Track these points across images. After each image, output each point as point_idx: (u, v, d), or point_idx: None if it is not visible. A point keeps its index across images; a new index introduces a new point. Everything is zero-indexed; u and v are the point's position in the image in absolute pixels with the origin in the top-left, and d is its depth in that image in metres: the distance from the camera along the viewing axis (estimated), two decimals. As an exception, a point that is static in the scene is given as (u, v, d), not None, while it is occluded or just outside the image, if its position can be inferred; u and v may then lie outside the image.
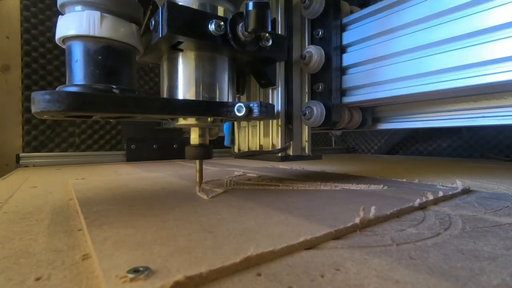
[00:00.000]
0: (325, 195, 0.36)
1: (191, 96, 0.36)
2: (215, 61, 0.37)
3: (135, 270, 0.15)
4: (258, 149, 0.48)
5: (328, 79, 0.44)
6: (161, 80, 0.39)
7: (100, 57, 0.31)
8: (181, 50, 0.36)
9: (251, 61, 0.41)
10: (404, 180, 0.49)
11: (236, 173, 0.61)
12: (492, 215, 0.28)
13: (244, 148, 0.50)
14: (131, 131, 1.11)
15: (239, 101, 0.36)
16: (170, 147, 1.14)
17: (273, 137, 0.45)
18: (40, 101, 0.26)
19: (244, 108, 0.35)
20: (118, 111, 0.29)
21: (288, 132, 0.45)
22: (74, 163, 1.00)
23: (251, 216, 0.26)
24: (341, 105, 0.46)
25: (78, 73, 0.31)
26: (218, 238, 0.21)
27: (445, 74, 0.36)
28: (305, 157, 0.46)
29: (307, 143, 0.46)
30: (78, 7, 0.30)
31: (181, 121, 0.38)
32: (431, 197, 0.32)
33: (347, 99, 0.46)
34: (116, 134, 1.13)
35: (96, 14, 0.30)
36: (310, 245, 0.20)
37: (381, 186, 0.41)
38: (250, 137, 0.49)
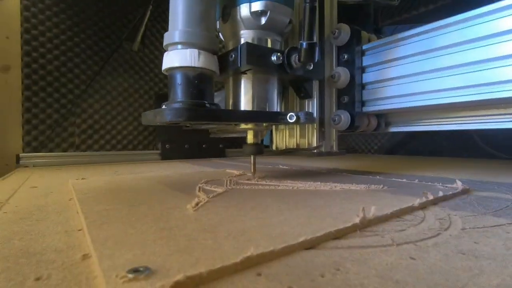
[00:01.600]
0: (325, 195, 0.36)
1: (251, 107, 0.47)
2: (268, 80, 0.48)
3: (135, 270, 0.15)
4: (295, 147, 0.58)
5: (352, 93, 0.55)
6: (226, 95, 0.51)
7: (196, 81, 0.41)
8: (245, 73, 0.47)
9: (293, 79, 0.53)
10: (404, 180, 0.49)
11: (236, 173, 0.61)
12: (492, 215, 0.28)
13: (282, 146, 0.61)
14: (163, 133, 1.19)
15: (289, 110, 0.50)
16: (200, 147, 1.25)
17: (309, 137, 0.56)
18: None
19: (295, 117, 0.46)
20: (214, 120, 0.42)
21: (321, 134, 0.55)
22: (75, 163, 1.00)
23: (251, 216, 0.26)
24: (362, 113, 0.57)
25: (181, 93, 0.41)
26: (218, 238, 0.21)
27: (430, 94, 0.48)
28: (333, 153, 0.56)
29: (334, 142, 0.57)
30: (179, 46, 0.41)
31: (243, 125, 0.49)
32: (431, 197, 0.32)
33: (366, 109, 0.57)
34: (116, 133, 1.13)
35: (195, 51, 0.40)
36: (310, 245, 0.20)
37: (381, 186, 0.41)
38: (287, 137, 0.60)
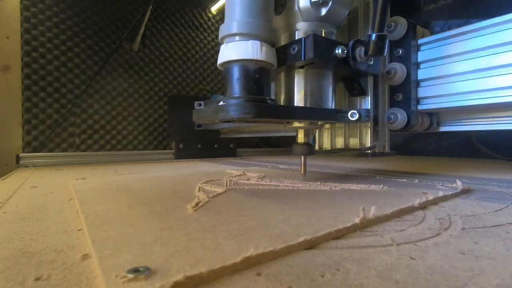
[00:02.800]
0: (325, 195, 0.36)
1: (305, 103, 0.44)
2: (323, 75, 0.45)
3: (135, 270, 0.15)
4: (343, 147, 0.55)
5: (408, 90, 0.53)
6: (277, 90, 0.48)
7: (256, 75, 0.38)
8: (302, 68, 0.44)
9: (348, 75, 0.50)
10: (404, 180, 0.49)
11: (235, 173, 0.61)
12: (492, 215, 0.28)
13: (327, 146, 0.58)
14: (177, 133, 1.21)
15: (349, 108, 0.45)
16: (212, 147, 1.27)
17: (362, 137, 0.53)
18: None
19: (357, 114, 0.45)
20: (278, 117, 0.39)
21: (375, 133, 0.52)
22: (76, 163, 1.00)
23: (251, 216, 0.26)
24: (417, 111, 0.54)
25: (239, 88, 0.38)
26: (218, 238, 0.21)
27: (487, 92, 0.46)
28: (386, 154, 0.54)
29: (386, 142, 0.54)
30: (237, 38, 0.38)
31: (296, 124, 0.46)
32: (431, 197, 0.32)
33: (421, 107, 0.54)
34: (116, 133, 1.13)
35: (258, 43, 0.37)
36: (310, 245, 0.20)
37: (381, 186, 0.41)
38: (334, 137, 0.57)
